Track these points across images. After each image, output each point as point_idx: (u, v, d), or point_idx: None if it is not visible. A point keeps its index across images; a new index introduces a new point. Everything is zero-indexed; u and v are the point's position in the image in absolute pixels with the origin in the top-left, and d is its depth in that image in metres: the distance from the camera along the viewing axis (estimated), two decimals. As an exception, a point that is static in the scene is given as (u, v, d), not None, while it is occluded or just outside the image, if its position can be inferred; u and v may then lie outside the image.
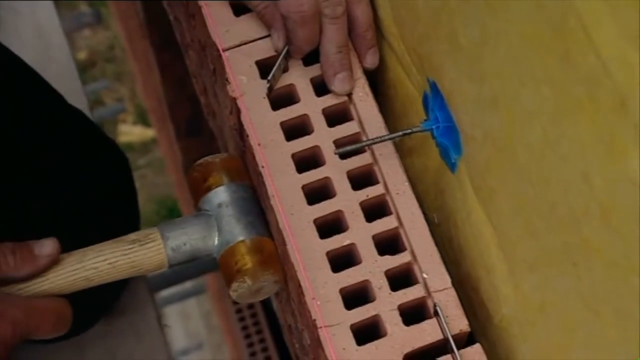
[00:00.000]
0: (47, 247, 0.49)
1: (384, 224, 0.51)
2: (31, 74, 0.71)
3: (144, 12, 1.42)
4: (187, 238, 0.53)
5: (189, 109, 1.59)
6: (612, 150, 0.35)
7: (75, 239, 0.52)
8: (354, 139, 0.53)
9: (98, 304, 0.75)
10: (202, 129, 1.65)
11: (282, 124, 0.53)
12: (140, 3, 1.41)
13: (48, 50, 1.07)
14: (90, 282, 0.51)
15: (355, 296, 0.50)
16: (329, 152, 0.52)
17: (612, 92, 0.34)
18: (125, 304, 0.80)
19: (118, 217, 0.71)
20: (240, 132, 0.55)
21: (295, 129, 0.53)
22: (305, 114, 0.54)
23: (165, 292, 2.34)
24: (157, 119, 2.11)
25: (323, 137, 0.53)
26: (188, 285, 2.52)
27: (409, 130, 0.53)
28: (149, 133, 2.98)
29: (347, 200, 0.51)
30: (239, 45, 0.55)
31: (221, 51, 0.55)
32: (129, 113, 3.16)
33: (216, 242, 0.53)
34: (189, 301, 2.78)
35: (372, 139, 0.53)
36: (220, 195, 0.54)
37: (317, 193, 0.52)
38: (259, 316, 1.89)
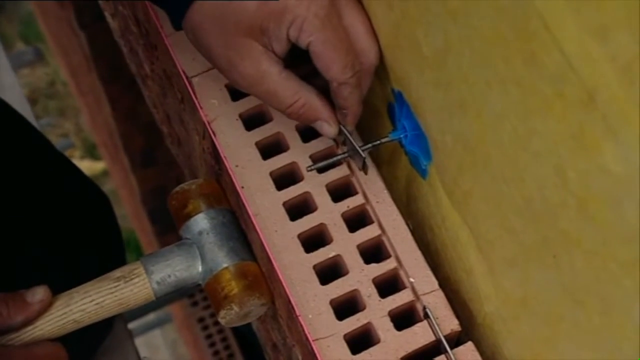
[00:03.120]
0: (38, 294, 0.49)
1: (367, 233, 0.52)
2: (19, 120, 0.71)
3: (89, 46, 1.41)
4: (171, 270, 0.53)
5: (143, 140, 1.58)
6: (583, 142, 0.37)
7: (62, 280, 0.52)
8: (329, 152, 0.54)
9: (83, 350, 0.74)
10: (157, 159, 1.64)
11: (257, 143, 0.54)
12: (84, 37, 1.40)
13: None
14: (79, 324, 0.51)
15: (346, 306, 0.50)
16: (306, 167, 0.53)
17: (579, 87, 0.36)
18: (105, 342, 0.79)
19: (103, 253, 0.72)
20: (216, 155, 0.55)
21: (271, 148, 0.54)
22: (279, 132, 0.55)
23: (129, 325, 2.32)
24: (108, 152, 2.09)
25: (299, 153, 0.54)
26: (152, 316, 2.50)
27: (378, 142, 0.55)
28: (98, 166, 2.95)
29: (328, 213, 0.52)
30: (207, 71, 0.56)
31: (189, 78, 0.56)
32: (76, 148, 3.12)
33: (200, 270, 0.54)
34: (154, 332, 2.76)
35: (343, 154, 0.54)
36: (200, 222, 0.54)
37: (299, 208, 0.53)
38: (229, 340, 1.88)
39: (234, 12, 0.47)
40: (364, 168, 0.53)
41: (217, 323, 1.87)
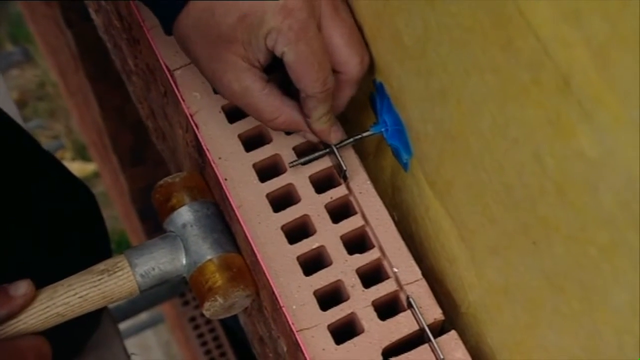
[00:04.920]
0: (22, 288, 0.50)
1: (350, 224, 0.52)
2: (5, 118, 0.71)
3: (76, 44, 1.41)
4: (155, 262, 0.53)
5: (131, 138, 1.58)
6: (560, 128, 0.37)
7: (47, 275, 0.52)
8: (312, 145, 0.55)
9: (69, 346, 0.74)
10: (145, 157, 1.64)
11: (239, 136, 0.54)
12: (71, 35, 1.40)
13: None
14: (63, 317, 0.51)
15: (330, 297, 0.51)
16: (289, 159, 0.54)
17: (555, 73, 0.36)
18: (92, 338, 0.79)
19: (88, 248, 0.72)
20: (199, 148, 0.56)
21: (254, 140, 0.54)
22: (261, 124, 0.55)
23: (121, 326, 2.31)
24: (98, 152, 2.08)
25: (282, 145, 0.54)
26: (144, 316, 2.49)
27: (360, 136, 0.55)
28: (89, 168, 2.94)
29: (312, 204, 0.52)
30: (189, 64, 0.56)
31: (172, 71, 0.56)
32: (66, 149, 3.11)
33: (184, 262, 0.54)
34: (146, 333, 2.75)
35: (325, 149, 0.54)
36: (184, 215, 0.54)
37: (282, 200, 0.53)
38: (221, 339, 1.88)
39: (216, 24, 0.48)
40: (344, 177, 0.54)
41: (208, 322, 1.86)
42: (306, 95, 0.51)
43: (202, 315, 1.88)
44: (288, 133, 0.55)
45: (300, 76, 0.49)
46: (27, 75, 3.18)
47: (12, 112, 0.99)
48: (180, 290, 1.87)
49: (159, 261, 0.53)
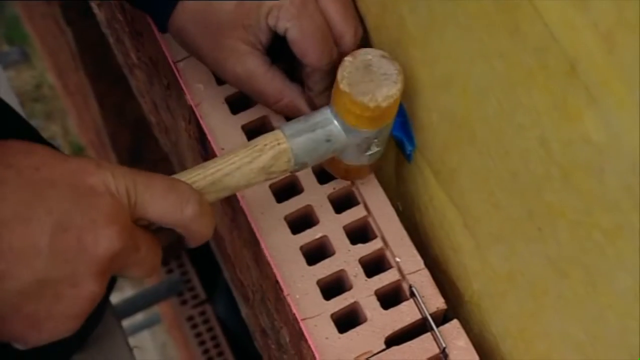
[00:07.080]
0: None
1: (352, 214, 0.52)
2: (6, 109, 0.71)
3: (76, 43, 1.41)
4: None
5: (130, 137, 1.58)
6: (566, 113, 0.37)
7: None
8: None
9: (72, 338, 0.73)
10: (144, 156, 1.64)
11: (242, 127, 0.54)
12: (71, 34, 1.39)
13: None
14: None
15: (333, 286, 0.51)
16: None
17: (561, 57, 0.36)
18: (95, 331, 0.79)
19: None
20: (202, 139, 0.56)
21: (257, 131, 0.54)
22: (264, 115, 0.55)
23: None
24: (95, 152, 2.08)
25: (285, 134, 0.54)
26: (139, 317, 2.49)
27: (365, 127, 0.55)
28: (86, 169, 2.93)
29: (315, 195, 0.53)
30: (192, 55, 0.56)
31: (175, 62, 0.56)
32: (63, 151, 3.11)
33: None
34: (142, 334, 2.74)
35: None
36: None
37: (285, 190, 0.53)
38: (219, 338, 1.88)
39: (214, 13, 0.49)
40: None
41: (206, 321, 1.86)
42: (312, 70, 0.51)
43: (200, 314, 1.87)
44: (288, 119, 0.55)
45: (305, 50, 0.50)
46: (23, 77, 3.17)
47: (14, 103, 0.99)
48: (179, 289, 1.87)
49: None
